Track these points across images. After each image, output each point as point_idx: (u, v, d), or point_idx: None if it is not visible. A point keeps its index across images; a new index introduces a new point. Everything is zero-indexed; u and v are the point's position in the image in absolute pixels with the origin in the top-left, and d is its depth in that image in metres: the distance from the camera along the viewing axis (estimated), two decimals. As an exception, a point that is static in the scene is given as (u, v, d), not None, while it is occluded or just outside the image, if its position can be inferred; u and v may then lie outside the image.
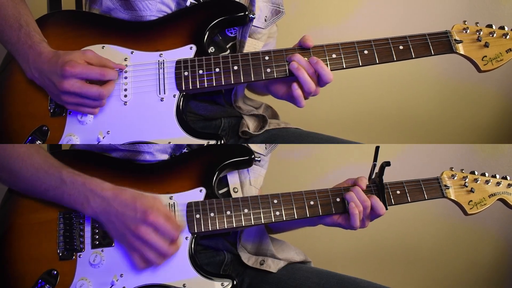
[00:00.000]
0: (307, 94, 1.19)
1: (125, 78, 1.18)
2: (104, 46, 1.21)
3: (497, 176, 1.33)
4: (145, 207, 1.07)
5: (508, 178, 1.33)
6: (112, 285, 1.11)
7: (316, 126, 1.64)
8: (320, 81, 1.18)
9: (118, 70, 1.16)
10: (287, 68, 1.18)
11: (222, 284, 1.13)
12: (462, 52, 1.22)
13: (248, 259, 1.32)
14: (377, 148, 1.23)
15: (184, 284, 1.12)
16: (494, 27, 1.24)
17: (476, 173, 1.33)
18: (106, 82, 1.13)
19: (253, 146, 1.32)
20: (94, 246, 1.14)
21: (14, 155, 1.14)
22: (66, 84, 1.08)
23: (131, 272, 1.12)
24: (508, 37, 1.22)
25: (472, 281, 2.37)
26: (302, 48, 1.20)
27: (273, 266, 1.31)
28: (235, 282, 1.15)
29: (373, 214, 1.22)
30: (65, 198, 1.11)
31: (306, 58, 1.18)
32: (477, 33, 1.23)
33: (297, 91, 1.18)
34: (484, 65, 1.22)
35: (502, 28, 1.24)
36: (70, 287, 1.10)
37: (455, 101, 2.32)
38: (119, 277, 1.12)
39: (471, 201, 1.30)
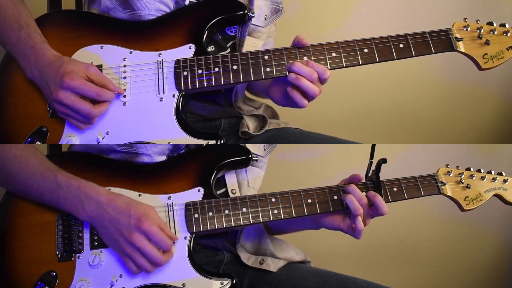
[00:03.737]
0: (311, 99, 1.18)
1: (124, 78, 1.18)
2: (103, 46, 1.21)
3: (493, 172, 1.34)
4: (139, 214, 1.07)
5: (504, 174, 1.34)
6: (112, 286, 1.11)
7: (316, 126, 1.64)
8: (320, 79, 1.17)
9: (116, 93, 1.16)
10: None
11: (221, 283, 1.13)
12: (462, 50, 1.22)
13: (247, 258, 1.32)
14: (373, 146, 1.23)
15: (183, 284, 1.12)
16: (495, 24, 1.23)
17: (471, 169, 1.33)
18: (100, 102, 1.13)
19: (252, 147, 1.32)
20: (93, 247, 1.13)
21: (11, 157, 1.14)
22: (60, 95, 1.08)
23: (130, 272, 1.11)
24: (509, 34, 1.22)
25: (472, 280, 2.37)
26: (300, 47, 1.20)
27: (272, 265, 1.31)
28: (234, 281, 1.14)
29: (373, 212, 1.22)
30: (60, 201, 1.11)
31: (305, 58, 1.18)
32: (478, 31, 1.22)
33: (293, 92, 1.17)
34: (485, 63, 1.22)
35: (503, 25, 1.23)
36: (69, 288, 1.11)
37: (455, 101, 2.32)
38: (119, 277, 1.11)
39: (467, 197, 1.30)
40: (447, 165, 1.33)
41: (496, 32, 1.22)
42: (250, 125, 1.40)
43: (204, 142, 1.17)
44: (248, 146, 1.32)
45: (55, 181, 1.11)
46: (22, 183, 1.14)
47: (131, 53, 1.20)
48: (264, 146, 1.38)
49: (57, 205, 1.13)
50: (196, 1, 1.26)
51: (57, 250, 1.13)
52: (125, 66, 1.19)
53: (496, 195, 1.32)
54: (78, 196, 1.10)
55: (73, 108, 1.09)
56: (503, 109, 2.34)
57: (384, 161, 1.22)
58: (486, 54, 1.22)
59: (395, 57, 1.20)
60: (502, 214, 2.30)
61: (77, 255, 1.13)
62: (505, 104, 2.33)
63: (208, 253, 1.29)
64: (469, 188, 1.31)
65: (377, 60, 1.20)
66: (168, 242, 1.09)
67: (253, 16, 1.28)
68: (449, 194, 1.30)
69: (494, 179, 1.32)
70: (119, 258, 1.12)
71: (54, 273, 1.11)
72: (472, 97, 2.32)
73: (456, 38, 1.22)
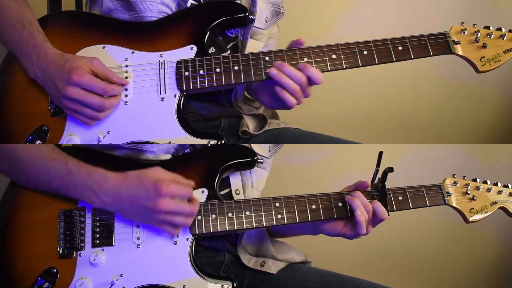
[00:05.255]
0: (293, 94, 1.17)
1: (126, 78, 1.18)
2: (105, 47, 1.21)
3: (499, 184, 1.33)
4: (153, 181, 1.08)
5: (510, 186, 1.33)
6: (112, 285, 1.11)
7: (316, 126, 1.64)
8: (310, 82, 1.18)
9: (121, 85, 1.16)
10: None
11: (222, 287, 1.13)
12: (460, 53, 1.23)
13: (248, 260, 1.32)
14: (381, 153, 1.22)
15: (184, 286, 1.12)
16: (491, 28, 1.24)
17: (478, 180, 1.32)
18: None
19: (257, 148, 1.32)
20: (94, 245, 1.14)
21: (19, 147, 1.14)
22: (69, 91, 1.08)
23: (131, 272, 1.12)
24: (505, 38, 1.23)
25: (472, 282, 2.37)
26: (301, 49, 1.20)
27: (273, 267, 1.31)
28: (235, 284, 1.15)
29: (375, 219, 1.21)
30: (71, 189, 1.12)
31: (305, 59, 1.19)
32: (475, 34, 1.23)
33: (281, 92, 1.17)
34: (482, 65, 1.22)
35: (499, 29, 1.24)
36: (70, 286, 1.10)
37: (455, 101, 2.32)
38: (119, 277, 1.12)
39: (473, 208, 1.30)
40: (453, 175, 1.32)
41: (493, 36, 1.23)
42: (250, 124, 1.40)
43: (205, 142, 1.17)
44: (253, 146, 1.32)
45: (66, 167, 1.11)
46: (33, 169, 1.14)
47: (133, 54, 1.21)
48: (269, 147, 1.37)
49: (67, 192, 1.13)
50: (197, 3, 1.27)
51: (58, 246, 1.13)
52: (127, 66, 1.19)
53: (502, 208, 1.32)
54: (89, 184, 1.10)
55: (83, 101, 1.09)
56: (503, 109, 2.34)
57: (390, 170, 1.21)
58: (484, 57, 1.22)
59: (394, 59, 1.21)
60: (503, 216, 2.29)
61: (79, 252, 1.13)
62: (505, 104, 2.33)
63: (209, 253, 1.30)
64: (475, 199, 1.30)
65: (377, 62, 1.20)
66: (189, 190, 1.11)
67: (254, 19, 1.29)
68: (454, 205, 1.29)
69: (500, 192, 1.32)
70: (120, 258, 1.13)
71: (55, 270, 1.11)
72: (472, 97, 2.32)
73: (453, 41, 1.23)
